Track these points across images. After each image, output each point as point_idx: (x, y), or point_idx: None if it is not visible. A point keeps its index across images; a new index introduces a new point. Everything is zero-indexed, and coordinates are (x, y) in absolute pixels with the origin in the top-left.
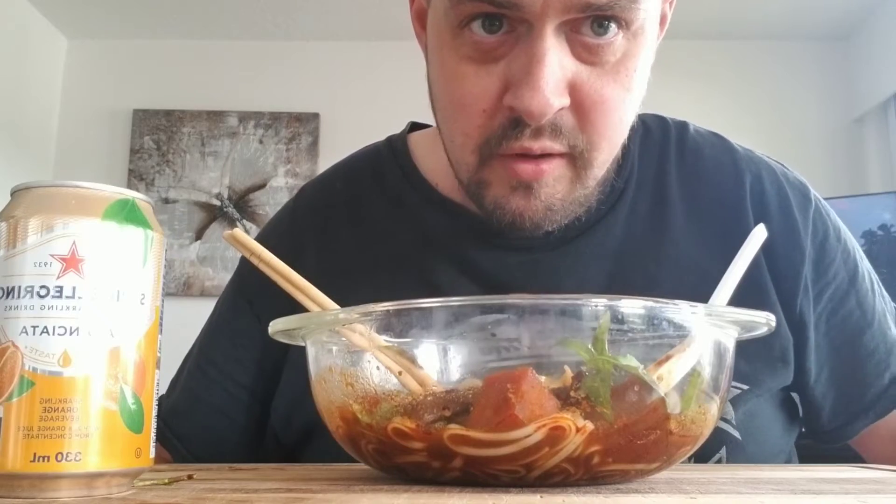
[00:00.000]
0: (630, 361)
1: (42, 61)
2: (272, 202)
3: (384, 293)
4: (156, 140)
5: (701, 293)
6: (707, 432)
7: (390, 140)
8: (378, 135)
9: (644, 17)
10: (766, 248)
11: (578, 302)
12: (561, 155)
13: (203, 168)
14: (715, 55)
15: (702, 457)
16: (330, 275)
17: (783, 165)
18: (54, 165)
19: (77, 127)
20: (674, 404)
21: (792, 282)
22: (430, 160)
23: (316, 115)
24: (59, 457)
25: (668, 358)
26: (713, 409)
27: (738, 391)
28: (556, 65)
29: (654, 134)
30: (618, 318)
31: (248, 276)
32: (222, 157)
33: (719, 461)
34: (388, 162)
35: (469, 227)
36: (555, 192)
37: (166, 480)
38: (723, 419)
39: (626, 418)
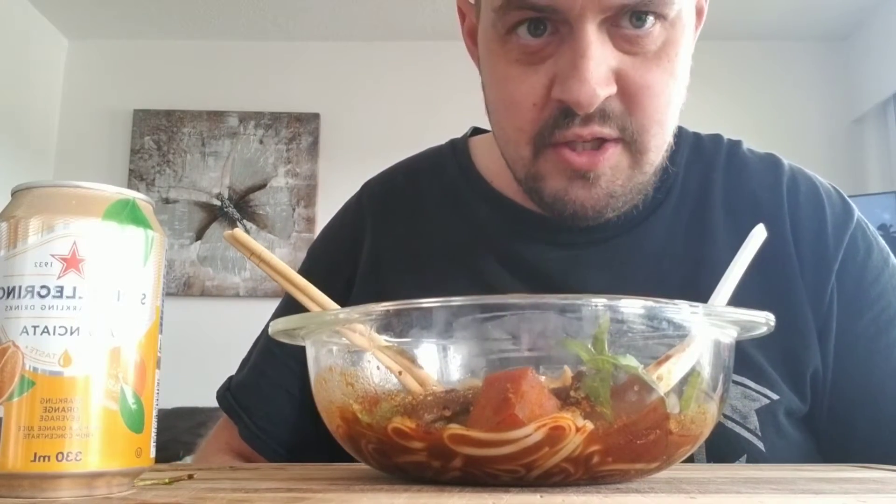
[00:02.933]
0: (630, 361)
1: (43, 62)
2: (272, 202)
3: (430, 277)
4: (156, 140)
5: (735, 297)
6: (707, 432)
7: (452, 141)
8: (378, 135)
9: (679, 8)
10: (798, 259)
11: (578, 302)
12: (615, 141)
13: (203, 168)
14: (715, 55)
15: (720, 462)
16: (383, 258)
17: (836, 188)
18: (55, 165)
19: (78, 127)
20: (673, 404)
21: (819, 291)
22: (487, 158)
23: (316, 116)
24: (60, 456)
25: (667, 358)
26: (712, 408)
27: (767, 401)
28: (599, 57)
29: (705, 147)
30: (618, 318)
31: (314, 260)
32: (223, 158)
33: None
34: (448, 160)
35: (515, 219)
36: (615, 179)
37: (167, 480)
38: (745, 428)
39: (626, 418)
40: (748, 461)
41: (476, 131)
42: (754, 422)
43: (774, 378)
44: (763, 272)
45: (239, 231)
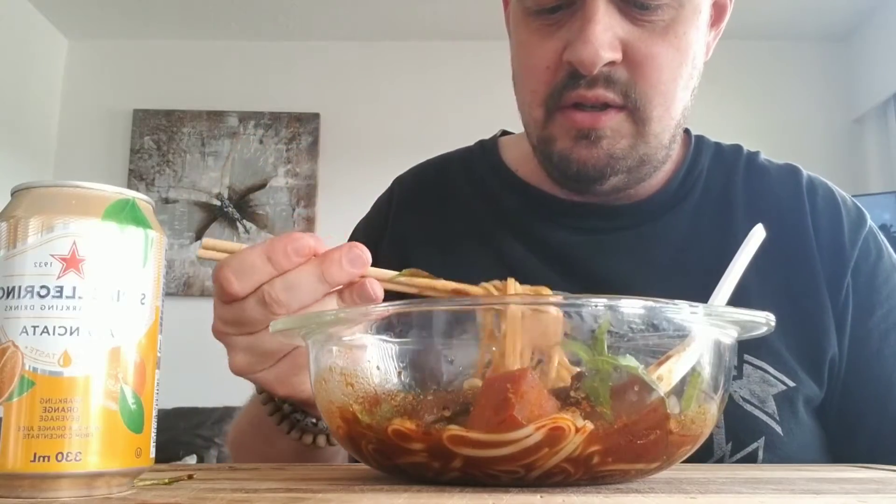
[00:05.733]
0: (630, 361)
1: (42, 61)
2: (272, 202)
3: (454, 257)
4: (156, 140)
5: (764, 288)
6: (707, 432)
7: (481, 141)
8: (378, 135)
9: None
10: (819, 255)
11: (578, 302)
12: (617, 109)
13: (203, 168)
14: (715, 55)
15: (739, 444)
16: (409, 239)
17: (849, 196)
18: (54, 165)
19: (77, 127)
20: (673, 404)
21: (836, 289)
22: (514, 151)
23: (316, 116)
24: (60, 457)
25: (667, 358)
26: (713, 408)
27: (784, 388)
28: (605, 23)
29: (726, 153)
30: (618, 318)
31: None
32: (222, 157)
33: (755, 450)
34: (477, 156)
35: (541, 205)
36: (615, 142)
37: (166, 480)
38: (763, 411)
39: (626, 418)
40: (766, 444)
41: (504, 134)
42: (772, 406)
43: (793, 365)
44: (789, 266)
45: (208, 241)
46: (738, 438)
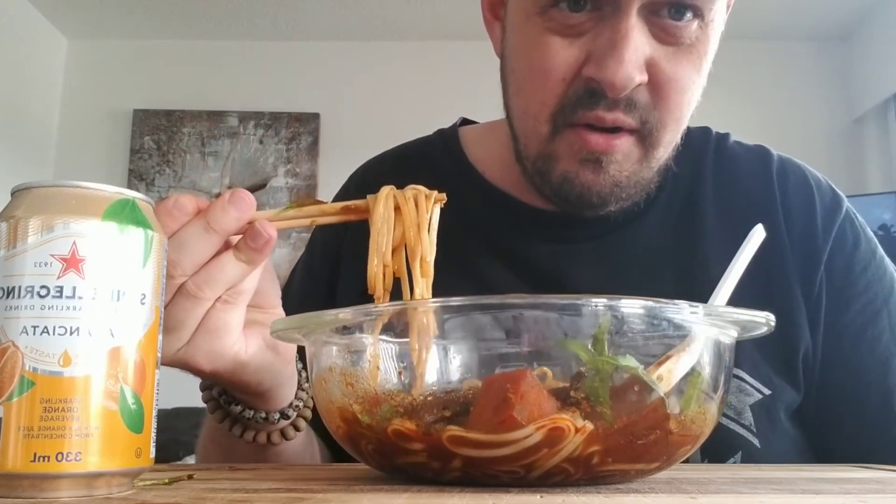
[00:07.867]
0: (629, 361)
1: (42, 61)
2: (272, 202)
3: None
4: (156, 140)
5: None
6: (707, 432)
7: (441, 131)
8: (378, 135)
9: (716, 11)
10: (791, 249)
11: (578, 302)
12: (630, 132)
13: (203, 168)
14: (716, 54)
15: (715, 460)
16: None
17: (825, 178)
18: (54, 165)
19: (77, 127)
20: (673, 404)
21: (808, 283)
22: (480, 150)
23: (316, 115)
24: (60, 457)
25: (667, 358)
26: (713, 408)
27: (761, 396)
28: (638, 41)
29: (693, 139)
30: (618, 318)
31: (312, 247)
32: (222, 158)
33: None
34: (438, 150)
35: (509, 212)
36: (622, 169)
37: (166, 480)
38: (740, 424)
39: (626, 418)
40: (743, 457)
41: (465, 122)
42: (749, 417)
43: (768, 372)
44: (759, 262)
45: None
46: (715, 454)
